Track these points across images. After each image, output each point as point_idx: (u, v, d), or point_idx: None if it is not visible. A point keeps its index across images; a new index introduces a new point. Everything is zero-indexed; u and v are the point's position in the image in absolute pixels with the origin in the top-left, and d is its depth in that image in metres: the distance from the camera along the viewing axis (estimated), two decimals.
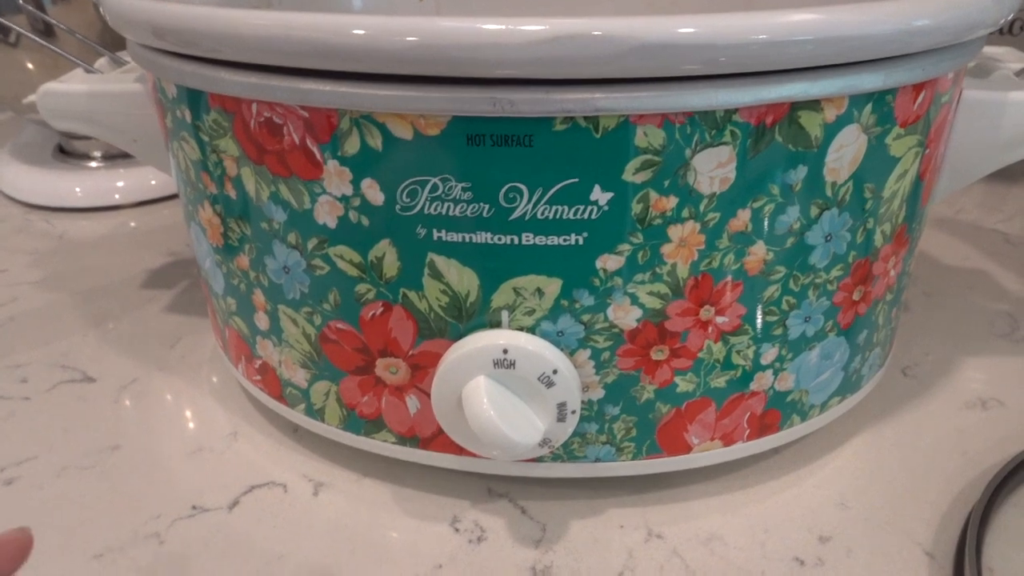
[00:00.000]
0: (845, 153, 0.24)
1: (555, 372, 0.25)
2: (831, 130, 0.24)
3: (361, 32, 0.21)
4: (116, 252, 0.51)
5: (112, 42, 0.53)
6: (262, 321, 0.30)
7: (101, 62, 0.43)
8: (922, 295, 0.45)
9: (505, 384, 0.25)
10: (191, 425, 0.35)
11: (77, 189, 0.58)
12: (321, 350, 0.28)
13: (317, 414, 0.30)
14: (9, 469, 0.32)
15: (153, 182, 0.58)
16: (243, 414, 0.35)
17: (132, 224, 0.55)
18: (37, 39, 0.47)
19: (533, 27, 0.20)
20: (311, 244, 0.26)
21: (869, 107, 0.24)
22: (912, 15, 0.22)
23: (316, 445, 0.33)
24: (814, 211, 0.25)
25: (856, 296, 0.28)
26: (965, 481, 0.31)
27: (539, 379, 0.25)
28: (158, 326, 0.42)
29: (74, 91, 0.35)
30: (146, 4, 0.26)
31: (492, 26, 0.21)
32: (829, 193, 0.25)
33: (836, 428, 0.34)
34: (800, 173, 0.24)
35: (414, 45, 0.21)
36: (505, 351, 0.25)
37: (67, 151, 0.61)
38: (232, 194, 0.27)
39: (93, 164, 0.59)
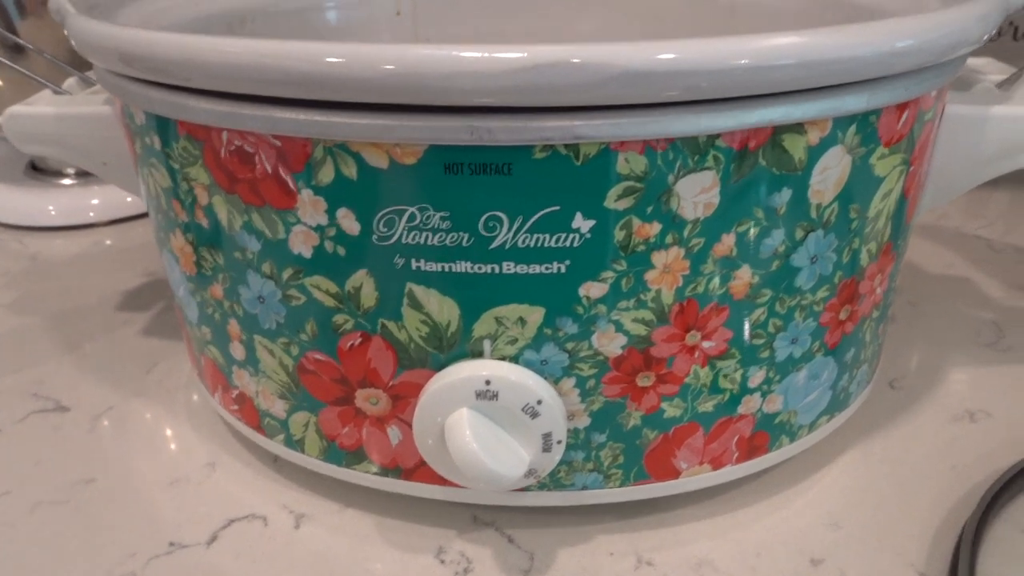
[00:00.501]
0: (829, 175, 0.24)
1: (539, 402, 0.25)
2: (815, 152, 0.23)
3: (335, 60, 0.21)
4: (91, 272, 0.50)
5: (82, 61, 0.51)
6: (238, 351, 0.29)
7: (70, 82, 0.42)
8: (907, 304, 0.44)
9: (488, 415, 0.25)
10: (168, 455, 0.34)
11: (50, 207, 0.56)
12: (299, 381, 0.28)
13: (296, 445, 0.30)
14: None
15: (129, 199, 0.57)
16: (221, 442, 0.35)
17: (107, 242, 0.54)
18: (3, 60, 0.46)
19: (511, 55, 0.20)
20: (286, 274, 0.25)
21: (853, 128, 0.24)
22: (895, 36, 0.22)
23: (296, 475, 0.32)
24: (799, 233, 0.25)
25: (843, 316, 0.28)
26: (955, 496, 0.31)
27: (523, 410, 0.24)
28: (134, 350, 0.42)
29: (41, 114, 0.34)
30: (113, 30, 0.25)
31: (470, 54, 0.20)
32: (814, 215, 0.25)
33: (824, 446, 0.33)
34: (784, 196, 0.24)
35: (390, 73, 0.20)
36: (488, 382, 0.24)
37: (40, 168, 0.60)
38: (204, 223, 0.27)
39: (67, 181, 0.58)
